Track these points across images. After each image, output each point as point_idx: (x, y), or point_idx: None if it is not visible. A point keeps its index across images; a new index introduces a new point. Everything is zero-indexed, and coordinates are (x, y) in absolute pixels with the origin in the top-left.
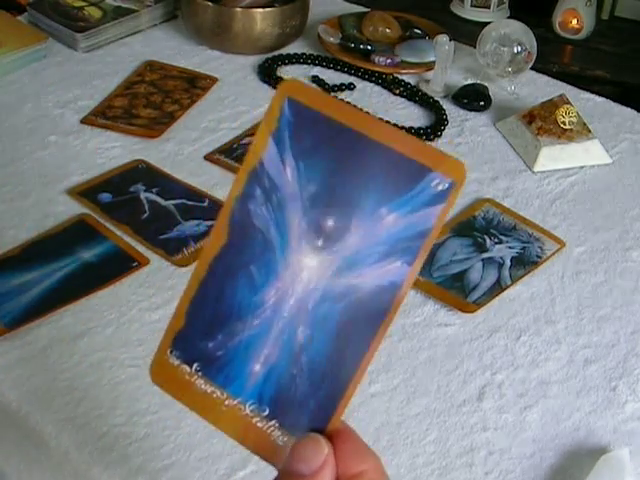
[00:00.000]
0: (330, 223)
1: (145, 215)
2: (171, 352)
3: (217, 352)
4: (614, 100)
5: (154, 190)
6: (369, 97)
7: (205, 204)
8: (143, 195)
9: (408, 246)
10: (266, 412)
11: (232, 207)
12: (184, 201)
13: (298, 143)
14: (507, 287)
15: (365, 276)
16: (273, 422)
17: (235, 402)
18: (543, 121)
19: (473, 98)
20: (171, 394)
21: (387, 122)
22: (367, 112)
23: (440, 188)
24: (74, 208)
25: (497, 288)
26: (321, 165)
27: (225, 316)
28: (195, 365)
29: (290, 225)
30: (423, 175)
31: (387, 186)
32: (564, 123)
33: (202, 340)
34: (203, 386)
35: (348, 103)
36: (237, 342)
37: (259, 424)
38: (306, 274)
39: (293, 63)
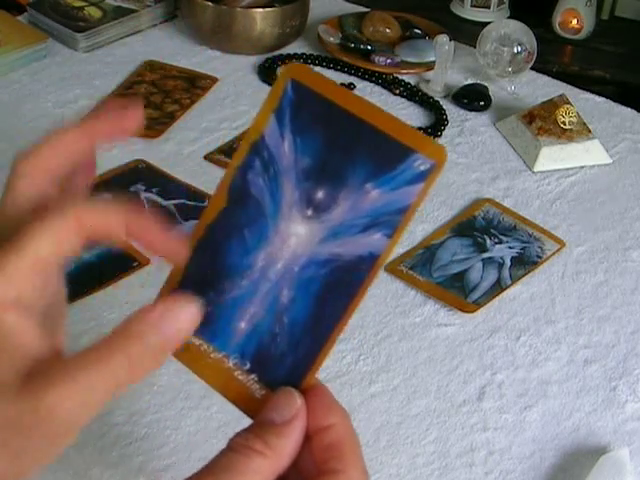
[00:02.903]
0: (320, 195)
1: None
2: None
3: (207, 308)
4: (614, 100)
5: (154, 190)
6: (369, 97)
7: (205, 204)
8: (143, 195)
9: (388, 220)
10: (247, 366)
11: (233, 176)
12: (184, 201)
13: (297, 121)
14: (507, 287)
15: (348, 245)
16: (253, 376)
17: (220, 355)
18: (543, 121)
19: (473, 98)
20: None
21: (379, 107)
22: (361, 97)
23: (422, 168)
24: None
25: (497, 288)
26: (316, 142)
27: (217, 275)
28: None
29: (283, 195)
30: (407, 156)
31: (374, 164)
32: (564, 123)
33: (195, 296)
34: (192, 339)
35: (345, 88)
36: (226, 300)
37: (240, 377)
38: (294, 240)
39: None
